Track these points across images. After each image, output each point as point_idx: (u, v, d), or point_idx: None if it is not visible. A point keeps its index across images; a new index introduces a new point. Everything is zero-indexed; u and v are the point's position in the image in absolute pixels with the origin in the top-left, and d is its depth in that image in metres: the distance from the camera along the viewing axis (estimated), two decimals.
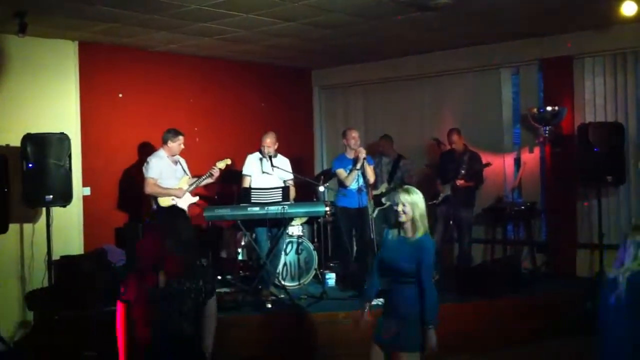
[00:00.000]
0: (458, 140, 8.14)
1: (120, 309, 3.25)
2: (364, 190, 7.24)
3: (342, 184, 7.45)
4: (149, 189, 7.18)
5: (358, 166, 7.16)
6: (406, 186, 4.62)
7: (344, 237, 7.42)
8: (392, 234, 4.54)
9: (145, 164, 7.28)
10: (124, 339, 3.26)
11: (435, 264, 4.59)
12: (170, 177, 7.29)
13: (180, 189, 7.26)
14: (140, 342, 3.23)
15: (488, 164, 8.02)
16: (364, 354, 6.30)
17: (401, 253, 4.40)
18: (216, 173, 7.37)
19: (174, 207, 3.67)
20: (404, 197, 4.40)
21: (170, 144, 7.29)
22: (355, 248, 7.88)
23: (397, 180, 8.68)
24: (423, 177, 8.83)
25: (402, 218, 4.40)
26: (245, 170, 7.43)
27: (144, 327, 3.21)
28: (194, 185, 7.37)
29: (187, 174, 7.48)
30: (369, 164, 7.38)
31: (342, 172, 7.43)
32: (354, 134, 7.49)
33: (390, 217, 8.45)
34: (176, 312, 3.21)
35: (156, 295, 3.20)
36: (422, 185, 9.27)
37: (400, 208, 4.39)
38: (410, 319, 4.36)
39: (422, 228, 4.41)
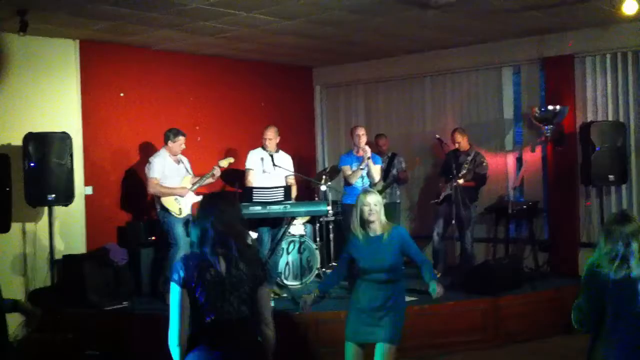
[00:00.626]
0: (462, 140, 8.15)
1: (175, 293, 3.15)
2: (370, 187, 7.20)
3: (346, 182, 7.45)
4: (152, 189, 7.18)
5: (362, 165, 7.16)
6: (364, 188, 4.91)
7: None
8: (359, 235, 4.62)
9: (147, 164, 7.28)
10: (178, 324, 3.14)
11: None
12: (173, 176, 7.29)
13: (184, 188, 7.26)
14: (198, 328, 3.18)
15: (482, 163, 8.00)
16: None
17: (381, 251, 4.52)
18: (217, 173, 7.38)
19: (225, 192, 3.59)
20: (369, 199, 4.57)
21: (170, 144, 7.29)
22: None
23: (391, 178, 8.71)
24: (419, 170, 8.82)
25: (373, 217, 4.55)
26: (248, 165, 7.43)
27: (202, 313, 3.16)
28: (197, 185, 7.38)
29: (189, 173, 7.48)
30: (376, 164, 7.39)
31: (347, 169, 7.42)
32: (359, 131, 7.47)
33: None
34: (236, 298, 3.19)
35: (216, 281, 3.16)
36: (421, 182, 9.42)
37: (368, 210, 4.55)
38: (393, 313, 4.49)
39: (386, 222, 4.62)
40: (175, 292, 3.15)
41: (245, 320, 3.23)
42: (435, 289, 4.46)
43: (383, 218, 4.60)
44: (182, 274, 3.15)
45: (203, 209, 3.28)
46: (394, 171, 8.80)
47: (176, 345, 3.15)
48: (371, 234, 4.59)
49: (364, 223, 4.59)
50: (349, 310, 4.70)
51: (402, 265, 4.67)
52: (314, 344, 6.43)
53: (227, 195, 3.46)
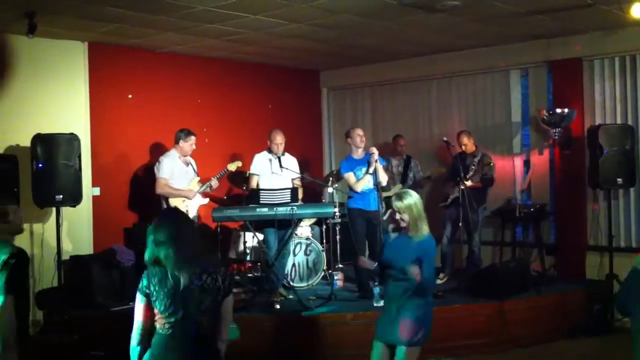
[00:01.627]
0: (468, 142, 8.14)
1: (139, 299, 3.32)
2: (376, 191, 7.15)
3: (351, 188, 7.39)
4: (160, 190, 7.19)
5: (371, 170, 7.07)
6: (398, 192, 4.72)
7: (358, 238, 7.28)
8: (394, 235, 4.68)
9: (157, 164, 7.30)
10: (138, 330, 3.33)
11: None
12: (182, 178, 7.31)
13: (191, 190, 7.28)
14: (158, 336, 3.31)
15: (489, 163, 7.96)
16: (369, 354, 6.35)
17: (404, 251, 4.50)
18: (215, 185, 7.49)
19: (171, 211, 3.71)
20: (398, 204, 4.52)
21: (182, 143, 7.31)
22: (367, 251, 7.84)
23: (409, 181, 8.68)
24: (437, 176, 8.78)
25: (403, 224, 4.54)
26: (253, 170, 7.43)
27: (162, 322, 3.29)
28: (204, 188, 7.40)
29: (197, 176, 7.51)
30: (382, 165, 7.34)
31: (351, 176, 7.30)
32: (359, 131, 7.41)
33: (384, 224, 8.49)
34: (196, 308, 3.26)
35: (177, 292, 3.26)
36: (434, 188, 9.39)
37: (397, 216, 4.54)
38: (412, 313, 4.45)
39: (424, 228, 4.54)
40: (138, 299, 3.34)
41: (204, 333, 3.31)
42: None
43: (418, 220, 4.50)
44: (144, 282, 3.34)
45: (155, 230, 3.39)
46: (411, 174, 8.76)
47: (135, 345, 3.34)
48: (404, 233, 4.58)
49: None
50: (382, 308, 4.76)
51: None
52: (319, 346, 6.42)
53: (177, 213, 3.56)
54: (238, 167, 7.60)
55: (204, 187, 7.44)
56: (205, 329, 3.31)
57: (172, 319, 3.26)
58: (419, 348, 4.52)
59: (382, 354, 4.58)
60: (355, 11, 6.81)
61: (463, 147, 8.16)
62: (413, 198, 4.56)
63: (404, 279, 4.46)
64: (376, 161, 7.07)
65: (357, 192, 7.24)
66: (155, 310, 3.30)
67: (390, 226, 4.80)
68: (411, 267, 4.39)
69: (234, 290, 7.15)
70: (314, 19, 7.05)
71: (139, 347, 3.35)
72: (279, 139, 7.31)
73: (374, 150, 7.11)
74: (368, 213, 7.15)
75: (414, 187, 8.61)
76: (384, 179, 7.30)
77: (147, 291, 3.31)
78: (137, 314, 3.34)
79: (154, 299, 3.29)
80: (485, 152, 8.19)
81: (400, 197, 4.55)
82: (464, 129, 8.45)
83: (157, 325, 3.31)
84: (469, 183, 7.72)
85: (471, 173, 7.85)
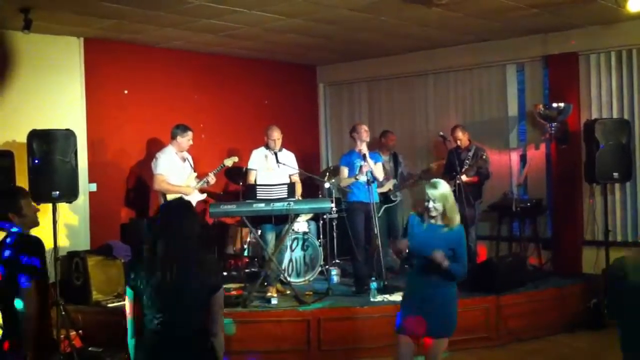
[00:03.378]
0: (462, 137, 8.14)
1: (129, 294, 3.32)
2: (373, 183, 7.13)
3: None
4: (157, 186, 7.18)
5: (360, 177, 7.09)
6: (433, 180, 4.63)
7: (355, 233, 7.27)
8: (417, 220, 4.57)
9: (154, 160, 7.29)
10: (131, 323, 3.34)
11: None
12: (179, 174, 7.30)
13: (188, 187, 7.27)
14: (148, 331, 3.31)
15: (483, 156, 7.92)
16: (368, 348, 6.37)
17: (434, 240, 4.42)
18: (212, 180, 7.45)
19: (176, 202, 3.66)
20: (432, 192, 4.44)
21: (179, 139, 7.30)
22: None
23: (398, 177, 8.69)
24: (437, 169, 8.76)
25: (434, 213, 4.45)
26: (250, 165, 7.43)
27: (151, 316, 3.28)
28: (200, 184, 7.39)
29: (194, 172, 7.50)
30: (378, 162, 7.37)
31: (344, 171, 7.37)
32: (365, 127, 7.44)
33: (396, 215, 8.50)
34: (183, 305, 3.25)
35: (164, 288, 3.24)
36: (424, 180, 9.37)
37: (430, 205, 4.44)
38: (438, 304, 4.43)
39: (456, 218, 4.48)
40: (128, 293, 3.35)
41: (194, 326, 3.30)
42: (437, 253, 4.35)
43: (451, 211, 4.45)
44: (132, 276, 3.34)
45: (162, 218, 3.38)
46: (400, 169, 8.77)
47: (130, 338, 3.37)
48: (432, 222, 4.52)
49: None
50: (402, 301, 4.71)
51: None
52: (315, 341, 6.42)
53: (184, 204, 3.51)
54: (235, 162, 7.59)
55: (201, 182, 7.43)
56: (196, 324, 3.30)
57: (161, 314, 3.24)
58: (448, 339, 4.52)
59: (409, 347, 4.54)
60: (351, 6, 6.80)
61: (458, 142, 8.15)
62: (447, 187, 4.51)
63: (431, 270, 4.40)
64: (364, 155, 7.08)
65: (355, 183, 7.23)
66: (144, 304, 3.29)
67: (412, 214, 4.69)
68: (438, 252, 4.32)
69: (232, 285, 7.23)
70: (310, 14, 7.04)
71: (134, 340, 3.35)
72: (276, 135, 7.31)
73: (365, 152, 7.13)
74: (368, 205, 7.14)
75: (402, 183, 8.65)
76: (380, 175, 7.32)
77: (134, 285, 3.31)
78: (128, 309, 3.35)
79: (142, 293, 3.28)
80: (479, 146, 8.19)
81: (434, 185, 4.48)
82: (459, 124, 8.45)
83: (146, 319, 3.29)
84: (464, 178, 7.72)
85: (466, 167, 7.85)
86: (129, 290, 3.34)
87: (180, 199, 3.72)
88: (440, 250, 4.33)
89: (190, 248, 3.32)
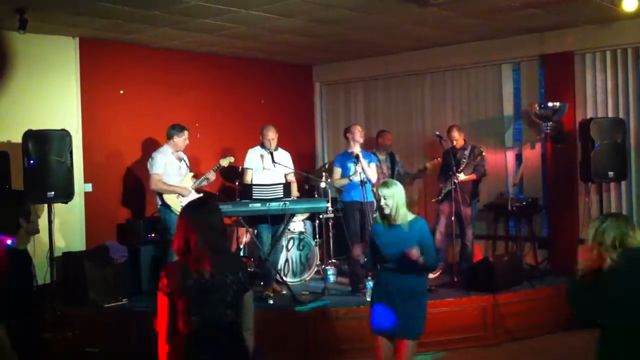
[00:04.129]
0: (458, 137, 8.14)
1: (162, 300, 3.23)
2: (367, 184, 7.14)
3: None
4: (154, 186, 7.16)
5: (355, 178, 7.10)
6: (384, 180, 4.92)
7: (351, 232, 7.26)
8: (382, 224, 4.72)
9: (150, 160, 7.27)
10: (166, 330, 3.25)
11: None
12: (175, 174, 7.29)
13: (185, 187, 7.26)
14: (183, 334, 3.24)
15: (481, 152, 7.91)
16: (364, 348, 6.37)
17: (401, 239, 4.55)
18: (212, 177, 7.43)
19: (201, 199, 3.65)
20: (383, 191, 4.64)
21: (175, 139, 7.28)
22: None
23: (396, 176, 8.67)
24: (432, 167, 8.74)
25: (387, 210, 4.63)
26: (246, 164, 7.43)
27: (188, 318, 3.22)
28: (198, 184, 7.39)
29: (190, 171, 7.49)
30: (371, 162, 7.36)
31: (337, 172, 7.38)
32: (360, 128, 7.45)
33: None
34: (220, 302, 3.26)
35: (201, 287, 3.22)
36: (426, 182, 9.39)
37: (382, 202, 4.63)
38: (412, 304, 4.54)
39: (406, 211, 4.66)
40: (161, 299, 3.24)
41: (230, 325, 3.31)
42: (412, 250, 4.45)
43: (403, 210, 4.63)
44: (165, 281, 3.24)
45: (189, 215, 3.31)
46: (397, 169, 8.76)
47: (164, 344, 3.27)
48: (392, 222, 4.66)
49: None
50: (372, 302, 4.75)
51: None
52: (311, 341, 6.43)
53: (210, 202, 3.49)
54: (230, 162, 7.58)
55: (201, 180, 7.40)
56: (230, 324, 3.30)
57: (198, 314, 3.22)
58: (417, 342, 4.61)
59: (389, 347, 4.61)
60: (348, 6, 6.80)
61: (454, 142, 8.15)
62: (398, 186, 4.70)
63: (406, 268, 4.51)
64: (357, 156, 7.08)
65: (350, 182, 7.24)
66: (180, 307, 3.23)
67: (376, 214, 4.81)
68: (412, 250, 4.43)
69: None
70: (307, 13, 7.04)
71: (168, 346, 3.28)
72: (271, 135, 7.30)
73: (358, 151, 7.13)
74: (363, 204, 7.14)
75: (400, 182, 8.63)
76: (373, 176, 7.29)
77: (170, 289, 3.23)
78: (162, 314, 3.25)
79: (177, 296, 3.22)
80: (475, 145, 8.19)
81: (386, 184, 4.70)
82: (455, 124, 8.45)
83: (183, 321, 3.24)
84: (462, 176, 7.72)
85: (463, 166, 7.86)
86: (162, 295, 3.24)
87: (202, 197, 3.71)
88: (413, 247, 4.45)
89: (222, 243, 3.33)
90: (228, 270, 3.28)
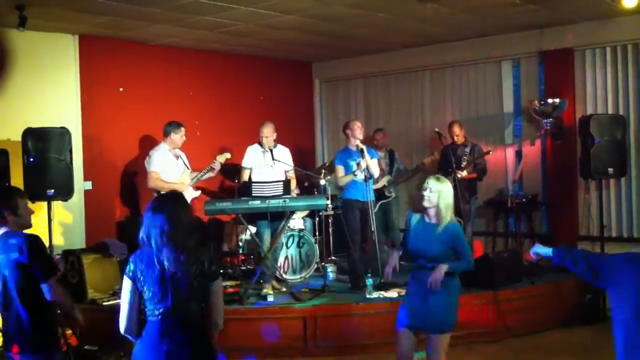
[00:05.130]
0: (459, 133, 8.14)
1: (126, 285, 3.30)
2: (370, 180, 7.13)
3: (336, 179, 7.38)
4: (152, 183, 7.16)
5: (358, 174, 7.05)
6: (438, 175, 4.74)
7: (351, 230, 7.24)
8: (416, 218, 4.65)
9: (147, 157, 7.27)
10: (129, 312, 3.32)
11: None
12: (172, 171, 7.28)
13: (183, 183, 7.26)
14: (147, 323, 3.31)
15: (488, 152, 7.98)
16: (363, 345, 6.38)
17: (430, 239, 4.50)
18: (217, 167, 7.37)
19: (166, 193, 3.72)
20: (432, 183, 4.52)
21: (173, 136, 7.27)
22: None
23: (394, 173, 8.67)
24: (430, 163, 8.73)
25: (425, 203, 4.52)
26: (244, 163, 7.40)
27: (152, 308, 3.28)
28: (195, 180, 7.38)
29: (188, 168, 7.48)
30: (374, 157, 7.32)
31: (340, 169, 7.27)
32: (359, 123, 7.41)
33: (392, 211, 8.50)
34: (183, 293, 3.27)
35: (163, 278, 3.26)
36: (419, 176, 9.36)
37: (426, 193, 4.51)
38: (439, 301, 4.47)
39: (448, 217, 4.53)
40: (125, 284, 3.32)
41: (194, 316, 3.31)
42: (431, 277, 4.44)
43: (444, 209, 4.50)
44: (132, 267, 3.32)
45: (153, 209, 3.35)
46: (396, 166, 8.76)
47: (125, 332, 3.33)
48: (427, 220, 4.59)
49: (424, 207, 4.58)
50: (406, 296, 4.74)
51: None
52: (312, 338, 6.43)
53: (175, 196, 3.53)
54: (227, 158, 7.56)
55: (204, 172, 7.37)
56: (195, 314, 3.31)
57: (161, 305, 3.25)
58: (450, 334, 4.56)
59: (411, 341, 4.59)
60: (347, 2, 6.79)
61: (455, 138, 8.15)
62: (448, 186, 4.58)
63: (431, 267, 4.47)
64: (364, 159, 7.04)
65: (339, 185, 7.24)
66: (144, 296, 3.28)
67: (412, 211, 4.75)
68: (433, 277, 4.41)
69: (228, 283, 7.22)
70: (306, 10, 7.03)
71: (128, 335, 3.33)
72: (265, 132, 7.27)
73: (362, 146, 7.10)
74: (364, 204, 7.14)
75: (397, 178, 8.64)
76: (376, 172, 7.27)
77: (134, 276, 3.29)
78: (124, 300, 3.32)
79: (142, 284, 3.27)
80: (476, 144, 8.19)
81: (438, 179, 4.58)
82: (455, 120, 8.45)
83: (147, 311, 3.29)
84: (464, 173, 7.73)
85: (465, 164, 7.86)
86: (127, 280, 3.31)
87: (170, 191, 3.74)
88: (432, 276, 4.42)
89: (185, 235, 3.31)
90: (194, 262, 3.29)
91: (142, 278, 3.28)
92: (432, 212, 4.54)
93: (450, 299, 4.56)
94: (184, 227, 3.32)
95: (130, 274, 3.30)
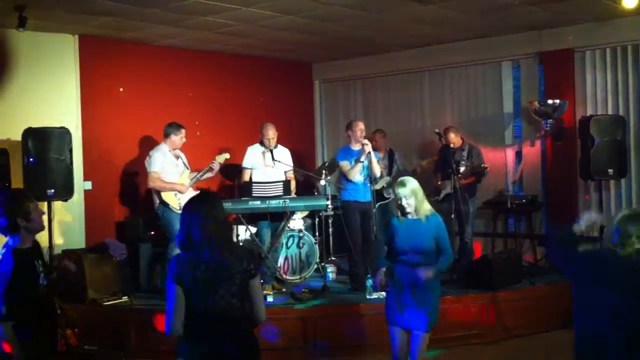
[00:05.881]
0: (455, 138, 8.06)
1: (171, 288, 3.29)
2: (368, 183, 7.14)
3: (345, 177, 7.36)
4: (152, 184, 7.16)
5: (363, 159, 7.06)
6: (400, 179, 4.85)
7: (352, 231, 7.24)
8: (399, 219, 4.74)
9: (147, 158, 7.27)
10: (175, 315, 3.29)
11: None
12: (172, 172, 7.28)
13: (183, 184, 7.26)
14: (189, 324, 3.31)
15: (485, 168, 7.94)
16: (363, 346, 6.38)
17: (418, 233, 4.61)
18: (216, 167, 7.37)
19: (200, 194, 3.73)
20: (402, 191, 4.66)
21: (173, 137, 7.28)
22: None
23: (394, 173, 8.66)
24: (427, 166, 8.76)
25: (408, 210, 4.66)
26: (245, 164, 7.41)
27: (194, 306, 3.29)
28: (195, 180, 7.38)
29: (187, 169, 7.48)
30: (376, 158, 7.33)
31: (346, 164, 7.24)
32: (361, 125, 7.37)
33: (392, 210, 8.49)
34: (226, 291, 3.30)
35: (206, 279, 3.28)
36: (422, 180, 9.37)
37: (403, 202, 4.65)
38: (427, 298, 4.57)
39: (428, 208, 4.69)
40: (170, 288, 3.30)
41: (236, 314, 3.34)
42: (423, 272, 4.52)
43: (423, 205, 4.67)
44: (175, 270, 3.30)
45: (189, 210, 3.37)
46: (396, 167, 8.76)
47: (172, 334, 3.30)
48: (409, 217, 4.69)
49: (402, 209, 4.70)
50: (387, 295, 4.79)
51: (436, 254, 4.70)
52: (312, 339, 6.43)
53: (211, 195, 3.57)
54: (226, 159, 7.56)
55: (203, 172, 7.37)
56: (238, 311, 3.33)
57: (206, 304, 3.26)
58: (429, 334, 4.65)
59: (403, 339, 4.65)
60: (347, 3, 6.80)
61: (451, 145, 8.11)
62: (414, 182, 4.71)
63: (422, 264, 4.55)
64: (369, 153, 7.04)
65: (350, 181, 7.18)
66: (188, 297, 3.27)
67: (397, 213, 4.82)
68: (425, 273, 4.51)
69: None
70: (306, 11, 7.04)
71: (175, 336, 3.31)
72: (271, 134, 7.28)
73: (367, 142, 7.10)
74: (363, 204, 7.14)
75: (397, 179, 8.61)
76: (377, 171, 7.29)
77: (178, 279, 3.27)
78: (170, 303, 3.28)
79: (186, 286, 3.26)
80: (473, 146, 8.16)
81: (403, 184, 4.69)
82: (451, 125, 8.36)
83: (192, 311, 3.28)
84: (462, 180, 7.72)
85: (463, 169, 7.83)
86: (171, 283, 3.28)
87: (203, 191, 3.76)
88: (424, 271, 4.51)
89: (225, 234, 3.37)
90: (233, 260, 3.33)
91: (185, 280, 3.27)
92: (416, 210, 4.68)
93: (436, 298, 4.71)
94: (223, 226, 3.36)
95: (174, 277, 3.29)
